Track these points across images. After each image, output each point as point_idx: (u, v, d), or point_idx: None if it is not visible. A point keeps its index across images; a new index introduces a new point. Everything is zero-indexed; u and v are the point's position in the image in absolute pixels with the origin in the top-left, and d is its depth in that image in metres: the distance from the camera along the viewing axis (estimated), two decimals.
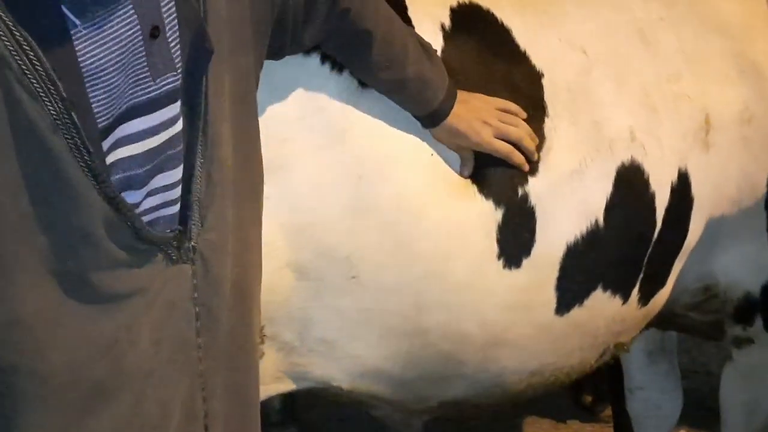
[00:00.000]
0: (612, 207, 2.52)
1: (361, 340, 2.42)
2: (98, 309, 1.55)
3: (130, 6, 1.48)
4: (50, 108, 1.40)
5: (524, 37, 2.51)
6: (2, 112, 1.38)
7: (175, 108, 1.58)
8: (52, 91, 1.40)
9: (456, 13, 2.46)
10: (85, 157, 1.45)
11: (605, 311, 2.63)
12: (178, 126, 1.60)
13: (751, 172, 2.75)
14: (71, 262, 1.50)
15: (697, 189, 2.67)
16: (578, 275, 2.53)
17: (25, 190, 1.43)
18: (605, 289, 2.59)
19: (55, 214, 1.46)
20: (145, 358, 1.62)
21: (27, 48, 1.37)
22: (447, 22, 2.42)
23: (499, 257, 2.41)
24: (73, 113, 1.41)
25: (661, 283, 2.74)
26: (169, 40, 1.56)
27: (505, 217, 2.40)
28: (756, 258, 2.85)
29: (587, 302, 2.57)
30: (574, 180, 2.48)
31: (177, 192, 1.63)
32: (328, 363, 2.45)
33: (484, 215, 2.39)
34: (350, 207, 2.26)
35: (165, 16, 1.55)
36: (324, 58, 2.23)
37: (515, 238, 2.43)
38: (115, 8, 1.45)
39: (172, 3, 1.57)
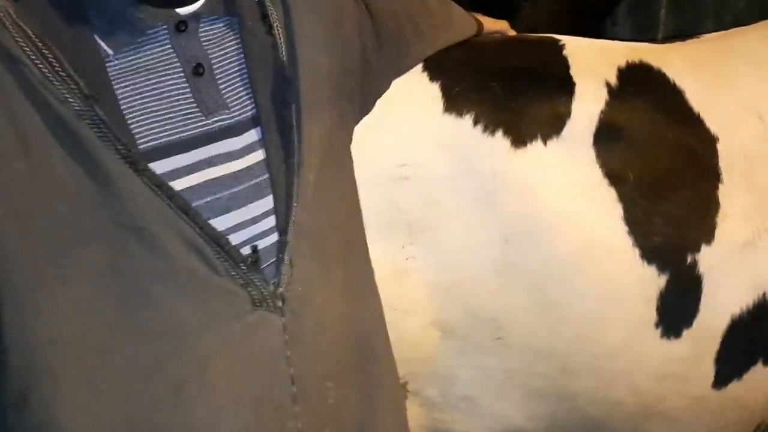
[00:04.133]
0: None
1: (505, 399, 2.38)
2: (160, 335, 1.39)
3: (168, 44, 1.50)
4: (74, 103, 1.38)
5: (698, 99, 2.41)
6: (32, 115, 1.37)
7: (241, 141, 1.55)
8: (74, 89, 1.38)
9: (624, 72, 2.41)
10: (119, 147, 1.39)
11: (764, 385, 2.43)
12: (250, 159, 1.56)
13: None
14: (125, 268, 1.38)
15: None
16: (740, 349, 2.36)
17: (63, 196, 1.37)
18: (765, 362, 2.39)
19: (98, 213, 1.38)
20: (224, 417, 1.44)
21: (47, 53, 1.38)
22: (613, 81, 2.38)
23: (657, 326, 2.30)
24: (96, 107, 1.39)
25: None
26: (219, 79, 1.55)
27: (669, 284, 2.29)
28: None
29: (746, 376, 2.40)
30: (747, 251, 2.34)
31: (266, 224, 1.56)
32: (470, 420, 2.43)
33: (644, 281, 2.29)
34: (497, 269, 2.26)
35: (215, 55, 1.56)
36: (477, 121, 2.30)
37: (678, 307, 2.32)
38: (146, 44, 1.49)
39: (234, 42, 1.59)
